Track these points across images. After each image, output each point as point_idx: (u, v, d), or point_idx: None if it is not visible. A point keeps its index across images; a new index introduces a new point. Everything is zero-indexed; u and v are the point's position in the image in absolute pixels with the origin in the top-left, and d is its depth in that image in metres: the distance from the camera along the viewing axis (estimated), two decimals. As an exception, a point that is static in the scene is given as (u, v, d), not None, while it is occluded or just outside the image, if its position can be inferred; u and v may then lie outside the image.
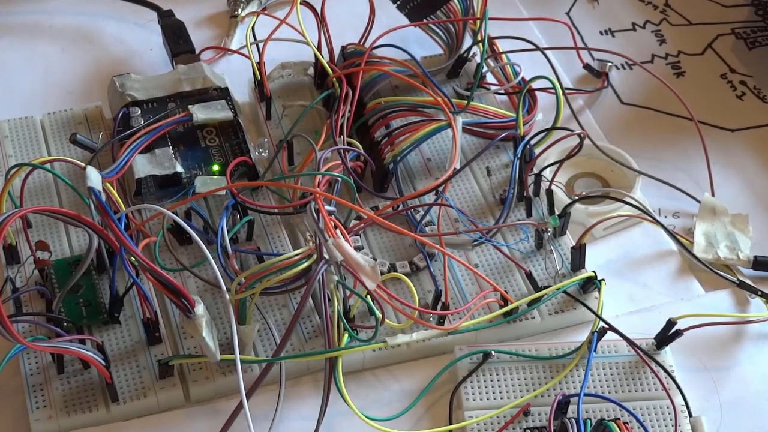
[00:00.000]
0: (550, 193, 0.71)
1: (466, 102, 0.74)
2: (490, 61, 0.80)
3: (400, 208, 0.71)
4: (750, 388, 0.66)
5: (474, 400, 0.63)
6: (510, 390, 0.64)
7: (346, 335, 0.63)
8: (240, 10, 0.87)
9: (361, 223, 0.69)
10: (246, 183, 0.71)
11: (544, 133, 0.73)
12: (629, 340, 0.65)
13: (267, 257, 0.67)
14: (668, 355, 0.66)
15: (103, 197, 0.61)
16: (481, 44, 0.75)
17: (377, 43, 0.77)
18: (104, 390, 0.63)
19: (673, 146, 0.79)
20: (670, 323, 0.65)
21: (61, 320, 0.64)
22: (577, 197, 0.72)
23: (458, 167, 0.70)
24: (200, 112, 0.73)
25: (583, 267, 0.69)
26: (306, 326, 0.66)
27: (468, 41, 0.80)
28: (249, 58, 0.76)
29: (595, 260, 0.70)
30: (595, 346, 0.65)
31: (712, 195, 0.75)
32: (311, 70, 0.79)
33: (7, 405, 0.64)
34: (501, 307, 0.67)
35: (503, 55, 0.80)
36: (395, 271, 0.68)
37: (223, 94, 0.75)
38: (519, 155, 0.71)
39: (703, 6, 0.89)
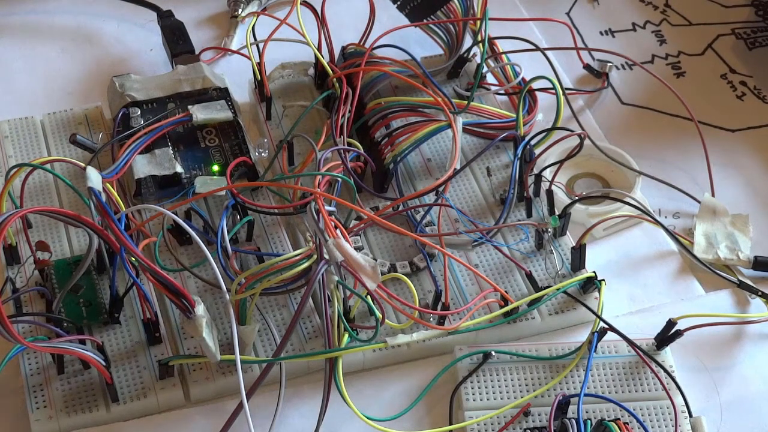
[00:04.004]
0: (550, 193, 0.71)
1: (466, 102, 0.74)
2: (491, 62, 0.80)
3: (400, 209, 0.71)
4: (750, 388, 0.66)
5: (474, 400, 0.63)
6: (510, 390, 0.64)
7: (347, 335, 0.63)
8: (240, 11, 0.87)
9: (361, 224, 0.69)
10: (246, 183, 0.71)
11: (544, 134, 0.73)
12: (629, 340, 0.65)
13: (267, 257, 0.67)
14: (668, 356, 0.66)
15: (103, 197, 0.61)
16: (481, 44, 0.75)
17: (377, 44, 0.77)
18: (104, 390, 0.63)
19: (673, 146, 0.79)
20: (671, 323, 0.65)
21: (61, 320, 0.63)
22: (577, 197, 0.72)
23: (458, 167, 0.70)
24: (200, 113, 0.73)
25: (583, 267, 0.69)
26: (306, 326, 0.66)
27: (468, 41, 0.80)
28: (249, 58, 0.76)
29: (595, 260, 0.70)
30: (596, 347, 0.65)
31: (712, 195, 0.75)
32: (311, 71, 0.79)
33: (7, 405, 0.64)
34: (501, 307, 0.67)
35: (503, 56, 0.80)
36: (395, 271, 0.68)
37: (223, 94, 0.75)
38: (519, 155, 0.71)
39: (703, 6, 0.89)
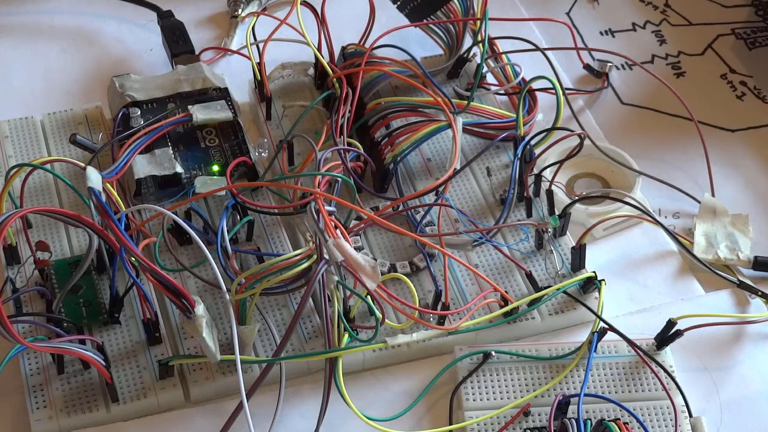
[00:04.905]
0: (550, 193, 0.71)
1: (466, 102, 0.74)
2: (491, 62, 0.80)
3: (400, 209, 0.71)
4: (750, 388, 0.66)
5: (474, 400, 0.63)
6: (510, 390, 0.64)
7: (347, 335, 0.63)
8: (240, 11, 0.87)
9: (361, 224, 0.69)
10: (246, 183, 0.71)
11: (544, 134, 0.73)
12: (629, 340, 0.65)
13: (267, 257, 0.67)
14: (668, 356, 0.66)
15: (103, 197, 0.61)
16: (481, 44, 0.75)
17: (377, 44, 0.77)
18: (104, 390, 0.63)
19: (673, 146, 0.79)
20: (671, 323, 0.65)
21: (61, 320, 0.64)
22: (577, 197, 0.72)
23: (458, 167, 0.70)
24: (200, 113, 0.73)
25: (584, 267, 0.69)
26: (306, 326, 0.66)
27: (468, 41, 0.80)
28: (249, 58, 0.76)
29: (595, 260, 0.70)
30: (596, 347, 0.65)
31: (712, 195, 0.75)
32: (311, 71, 0.79)
33: (7, 405, 0.64)
34: (501, 307, 0.67)
35: (503, 56, 0.80)
36: (395, 271, 0.68)
37: (223, 94, 0.75)
38: (519, 155, 0.71)
39: (703, 6, 0.89)
